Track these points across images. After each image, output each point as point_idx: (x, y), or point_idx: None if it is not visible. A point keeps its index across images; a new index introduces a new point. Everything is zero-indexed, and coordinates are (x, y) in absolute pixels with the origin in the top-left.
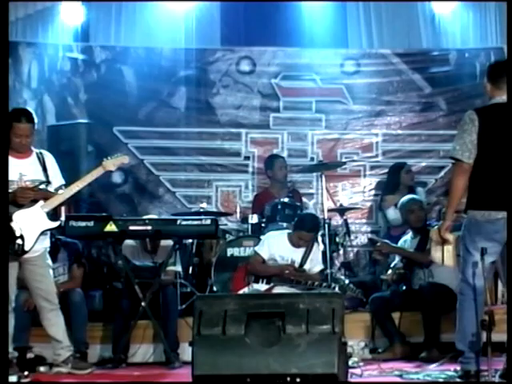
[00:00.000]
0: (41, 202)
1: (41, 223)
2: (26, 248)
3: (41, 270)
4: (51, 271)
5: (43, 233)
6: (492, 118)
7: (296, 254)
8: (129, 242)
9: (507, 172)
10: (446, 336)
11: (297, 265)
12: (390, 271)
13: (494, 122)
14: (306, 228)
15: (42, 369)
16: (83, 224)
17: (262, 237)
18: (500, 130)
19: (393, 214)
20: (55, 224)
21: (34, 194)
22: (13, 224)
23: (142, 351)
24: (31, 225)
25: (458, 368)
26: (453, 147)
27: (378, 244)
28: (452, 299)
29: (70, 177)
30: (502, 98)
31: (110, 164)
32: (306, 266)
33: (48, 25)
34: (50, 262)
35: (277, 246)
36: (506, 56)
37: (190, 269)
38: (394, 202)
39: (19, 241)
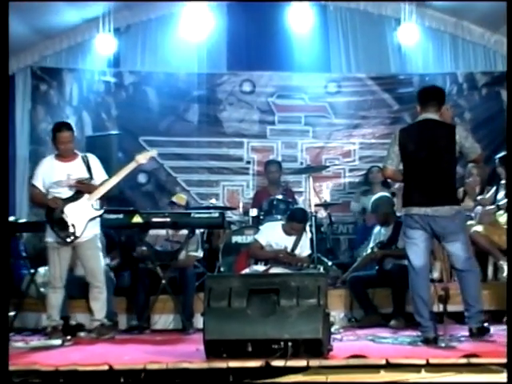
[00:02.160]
0: (86, 196)
1: (88, 213)
2: (78, 234)
3: (89, 252)
4: (101, 254)
5: (91, 220)
6: (411, 133)
7: (288, 241)
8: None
9: (422, 175)
10: (410, 307)
11: (289, 250)
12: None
13: (412, 136)
14: (296, 220)
15: (81, 334)
16: (114, 216)
17: (260, 227)
18: (415, 144)
19: (355, 206)
20: (99, 212)
21: (84, 187)
22: (64, 216)
23: (163, 320)
24: (80, 215)
25: (420, 334)
26: (383, 159)
27: (376, 251)
28: None
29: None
30: (422, 115)
31: (142, 158)
32: (297, 251)
33: (86, 54)
34: (99, 245)
35: (272, 235)
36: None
37: (200, 252)
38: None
39: (71, 229)
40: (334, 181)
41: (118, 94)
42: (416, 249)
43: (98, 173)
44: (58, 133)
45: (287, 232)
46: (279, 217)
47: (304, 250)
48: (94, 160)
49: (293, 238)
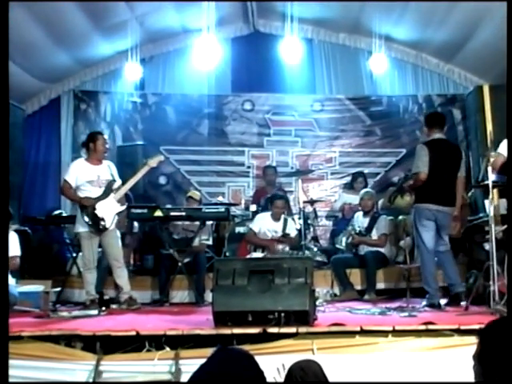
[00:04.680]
0: (112, 194)
1: (114, 208)
2: (107, 226)
3: (111, 240)
4: (119, 241)
5: (117, 214)
6: (433, 147)
7: (277, 226)
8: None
9: (441, 181)
10: (379, 284)
11: (279, 233)
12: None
13: (434, 150)
14: (276, 198)
15: (113, 306)
16: (140, 211)
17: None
18: (437, 156)
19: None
20: (123, 207)
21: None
22: (96, 211)
23: (180, 295)
24: (108, 209)
25: (424, 302)
26: (416, 166)
27: (354, 238)
28: (384, 261)
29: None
30: (435, 135)
31: (152, 162)
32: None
33: (117, 79)
34: (118, 234)
35: (263, 223)
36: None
37: (211, 240)
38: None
39: (102, 222)
40: (319, 182)
41: (143, 112)
42: (428, 235)
43: (117, 177)
44: (101, 135)
45: (275, 217)
46: None
47: (292, 231)
48: (113, 166)
49: (280, 224)
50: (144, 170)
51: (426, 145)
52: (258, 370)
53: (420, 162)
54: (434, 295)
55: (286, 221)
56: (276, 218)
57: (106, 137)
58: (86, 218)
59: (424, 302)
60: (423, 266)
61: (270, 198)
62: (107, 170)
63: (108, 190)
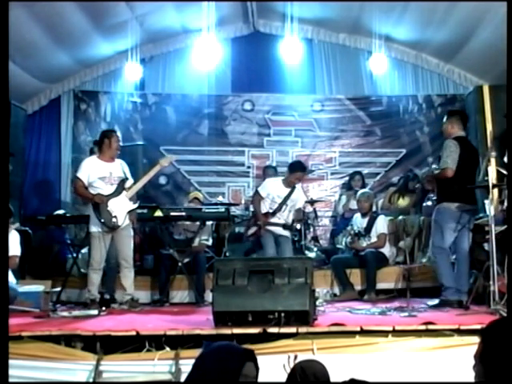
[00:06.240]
0: (125, 192)
1: (126, 206)
2: (119, 223)
3: (124, 239)
4: (132, 241)
5: (129, 212)
6: (461, 144)
7: (285, 192)
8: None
9: (467, 179)
10: (379, 284)
11: (283, 197)
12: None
13: (462, 147)
14: (300, 169)
15: (114, 306)
16: (140, 211)
17: (263, 182)
18: (464, 153)
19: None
20: (135, 205)
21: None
22: (109, 209)
23: (180, 295)
24: (121, 207)
25: (436, 301)
26: (445, 161)
27: (354, 241)
28: (384, 261)
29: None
30: (459, 133)
31: (164, 161)
32: (292, 202)
33: (117, 80)
34: (131, 233)
35: (273, 188)
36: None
37: (211, 241)
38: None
39: (114, 219)
40: (319, 182)
41: (143, 112)
42: (451, 238)
43: (129, 175)
44: (115, 133)
45: (288, 184)
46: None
47: (299, 201)
48: (125, 165)
49: (288, 190)
50: (156, 168)
51: (456, 140)
52: (239, 362)
53: (450, 158)
54: (450, 290)
55: (293, 188)
56: (288, 185)
57: (119, 134)
58: (100, 216)
59: (433, 301)
60: (442, 264)
61: (292, 165)
62: (120, 167)
63: (120, 187)
